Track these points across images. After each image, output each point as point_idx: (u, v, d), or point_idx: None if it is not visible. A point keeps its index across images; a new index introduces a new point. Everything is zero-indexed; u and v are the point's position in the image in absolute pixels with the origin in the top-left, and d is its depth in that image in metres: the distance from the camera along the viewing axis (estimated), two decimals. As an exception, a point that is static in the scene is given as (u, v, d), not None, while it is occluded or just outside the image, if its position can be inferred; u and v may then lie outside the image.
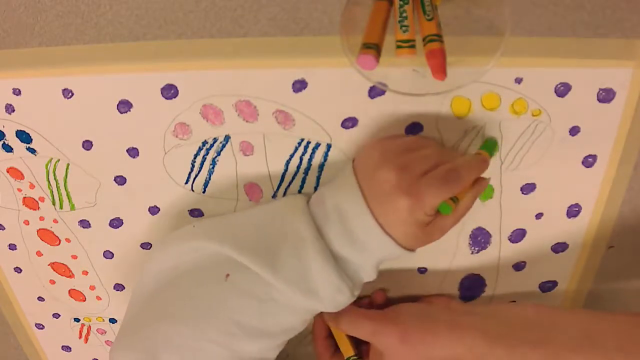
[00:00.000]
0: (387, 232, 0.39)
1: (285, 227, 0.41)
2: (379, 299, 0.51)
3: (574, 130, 0.44)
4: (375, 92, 0.42)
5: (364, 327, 0.42)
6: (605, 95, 0.42)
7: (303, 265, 0.39)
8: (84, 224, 0.51)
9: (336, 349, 0.49)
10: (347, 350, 0.48)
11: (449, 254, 0.50)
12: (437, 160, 0.39)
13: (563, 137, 0.44)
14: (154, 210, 0.49)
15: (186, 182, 0.47)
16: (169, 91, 0.43)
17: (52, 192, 0.49)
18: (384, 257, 0.41)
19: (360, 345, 0.48)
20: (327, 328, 0.49)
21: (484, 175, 0.42)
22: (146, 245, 0.52)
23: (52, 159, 0.47)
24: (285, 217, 0.42)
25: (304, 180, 0.46)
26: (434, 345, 0.39)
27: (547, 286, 0.52)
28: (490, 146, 0.42)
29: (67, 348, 0.62)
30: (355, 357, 0.47)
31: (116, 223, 0.51)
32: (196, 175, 0.47)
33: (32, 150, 0.47)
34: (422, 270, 0.52)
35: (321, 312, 0.45)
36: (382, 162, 0.39)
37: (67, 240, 0.52)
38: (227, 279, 0.41)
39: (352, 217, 0.39)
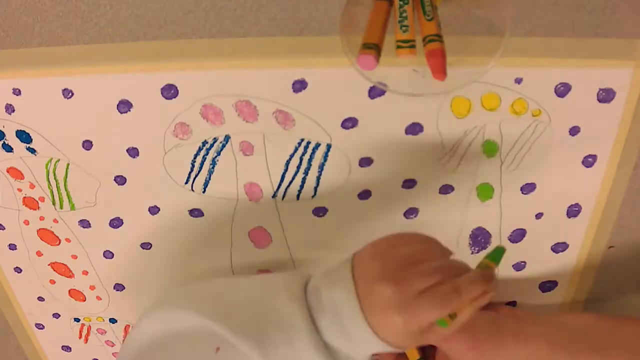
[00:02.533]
0: (382, 337, 0.38)
1: (280, 308, 0.40)
2: None
3: (574, 130, 0.44)
4: (375, 92, 0.42)
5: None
6: (605, 95, 0.42)
7: (294, 354, 0.39)
8: (84, 224, 0.51)
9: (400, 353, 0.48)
10: (413, 353, 0.47)
11: (449, 254, 0.50)
12: (439, 277, 0.38)
13: (563, 137, 0.44)
14: (154, 210, 0.49)
15: (186, 182, 0.47)
16: (169, 91, 0.43)
17: (52, 192, 0.49)
18: (377, 351, 0.41)
19: (425, 349, 0.47)
20: None
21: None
22: (146, 245, 0.52)
23: (52, 159, 0.47)
24: (281, 298, 0.41)
25: (304, 180, 0.46)
26: (500, 352, 0.40)
27: (547, 286, 0.52)
28: (497, 255, 0.42)
29: (67, 348, 0.62)
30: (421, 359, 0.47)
31: (116, 223, 0.51)
32: (196, 175, 0.47)
33: (32, 150, 0.47)
34: (422, 270, 0.52)
35: None
36: (381, 276, 0.38)
37: (67, 240, 0.52)
38: (217, 352, 0.41)
39: (347, 319, 0.39)
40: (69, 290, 0.57)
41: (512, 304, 0.54)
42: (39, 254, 0.54)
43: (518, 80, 0.41)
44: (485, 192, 0.47)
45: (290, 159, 0.45)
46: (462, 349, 0.41)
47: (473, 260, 0.51)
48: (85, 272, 0.55)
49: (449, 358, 0.43)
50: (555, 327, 0.42)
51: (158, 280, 0.54)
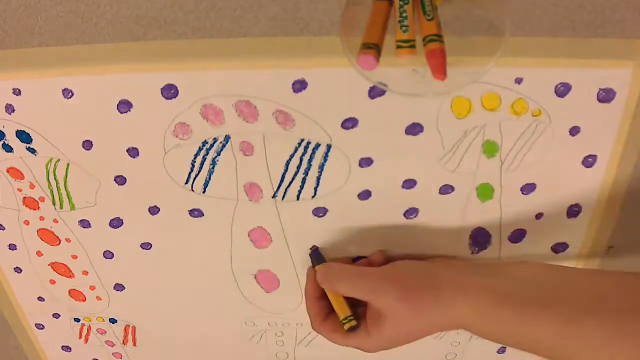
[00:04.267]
0: None
1: None
2: (378, 260, 0.48)
3: (574, 130, 0.44)
4: (375, 92, 0.42)
5: (361, 285, 0.40)
6: (605, 95, 0.42)
7: None
8: (84, 224, 0.51)
9: (329, 311, 0.46)
10: (343, 310, 0.45)
11: (449, 254, 0.50)
12: None
13: (563, 137, 0.44)
14: (154, 210, 0.49)
15: (186, 182, 0.47)
16: (169, 91, 0.43)
17: (52, 192, 0.49)
18: None
19: (356, 308, 0.45)
20: (320, 289, 0.46)
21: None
22: (146, 245, 0.52)
23: (52, 159, 0.47)
24: None
25: (304, 181, 0.46)
26: (435, 303, 0.37)
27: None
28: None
29: (67, 348, 0.62)
30: (351, 318, 0.44)
31: (116, 223, 0.51)
32: (196, 175, 0.47)
33: (32, 150, 0.47)
34: (422, 270, 0.52)
35: (313, 272, 0.44)
36: None
37: (67, 240, 0.52)
38: None
39: None
40: (69, 290, 0.57)
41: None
42: (39, 254, 0.54)
43: (518, 80, 0.41)
44: (485, 192, 0.47)
45: (290, 159, 0.45)
46: (392, 300, 0.38)
47: (473, 260, 0.51)
48: (85, 272, 0.55)
49: (380, 314, 0.40)
50: (498, 277, 0.38)
51: (158, 280, 0.54)
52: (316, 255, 0.46)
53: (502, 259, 0.51)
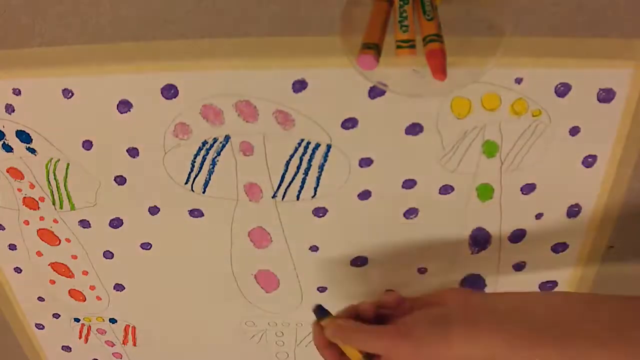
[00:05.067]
0: None
1: None
2: (390, 301, 0.46)
3: (574, 130, 0.44)
4: (375, 92, 0.42)
5: (376, 346, 0.41)
6: (605, 95, 0.42)
7: None
8: (84, 224, 0.51)
9: (342, 351, 0.45)
10: (355, 356, 0.44)
11: (449, 254, 0.50)
12: None
13: (563, 137, 0.44)
14: (154, 210, 0.49)
15: (186, 182, 0.47)
16: (169, 91, 0.43)
17: (52, 192, 0.49)
18: None
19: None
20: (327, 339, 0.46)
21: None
22: (146, 245, 0.52)
23: (52, 159, 0.47)
24: None
25: (303, 181, 0.46)
26: (449, 350, 0.38)
27: (547, 286, 0.52)
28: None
29: (67, 348, 0.62)
30: (365, 356, 0.43)
31: (116, 223, 0.51)
32: (196, 175, 0.47)
33: (32, 150, 0.47)
34: (422, 270, 0.52)
35: (319, 326, 0.44)
36: None
37: (67, 240, 0.52)
38: None
39: None
40: (69, 290, 0.57)
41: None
42: (39, 254, 0.54)
43: (518, 80, 0.41)
44: (485, 192, 0.47)
45: (290, 159, 0.45)
46: (407, 353, 0.38)
47: (473, 260, 0.51)
48: (85, 272, 0.55)
49: None
50: (513, 316, 0.38)
51: (158, 280, 0.54)
52: (321, 311, 0.45)
53: (502, 259, 0.51)
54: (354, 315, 0.44)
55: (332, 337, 0.44)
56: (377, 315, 0.44)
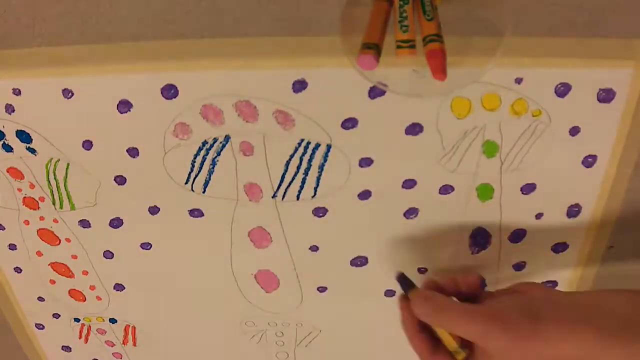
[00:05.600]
0: None
1: None
2: (471, 281, 0.44)
3: (574, 130, 0.44)
4: (375, 92, 0.42)
5: (470, 328, 0.38)
6: (605, 95, 0.42)
7: None
8: (84, 224, 0.51)
9: (436, 341, 0.43)
10: (451, 343, 0.41)
11: (449, 254, 0.50)
12: None
13: (563, 137, 0.44)
14: (154, 210, 0.49)
15: (186, 182, 0.47)
16: (169, 91, 0.43)
17: (52, 192, 0.49)
18: None
19: (465, 344, 0.42)
20: (417, 321, 0.43)
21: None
22: (146, 245, 0.52)
23: (52, 159, 0.47)
24: None
25: (303, 181, 0.46)
26: (544, 343, 0.36)
27: (547, 286, 0.52)
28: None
29: (67, 348, 0.62)
30: (460, 350, 0.41)
31: (116, 223, 0.51)
32: (196, 175, 0.47)
33: (32, 150, 0.47)
34: (422, 270, 0.52)
35: (409, 305, 0.41)
36: None
37: (67, 240, 0.52)
38: None
39: None
40: (69, 290, 0.57)
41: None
42: (39, 254, 0.54)
43: (518, 80, 0.41)
44: (485, 192, 0.47)
45: (290, 159, 0.45)
46: (504, 345, 0.37)
47: (473, 260, 0.51)
48: (85, 272, 0.55)
49: (488, 352, 0.38)
50: (600, 312, 0.37)
51: (158, 280, 0.54)
52: (404, 281, 0.42)
53: (502, 259, 0.51)
54: (435, 290, 0.42)
55: (422, 314, 0.41)
56: (455, 294, 0.42)
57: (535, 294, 0.40)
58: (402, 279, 0.43)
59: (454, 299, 0.42)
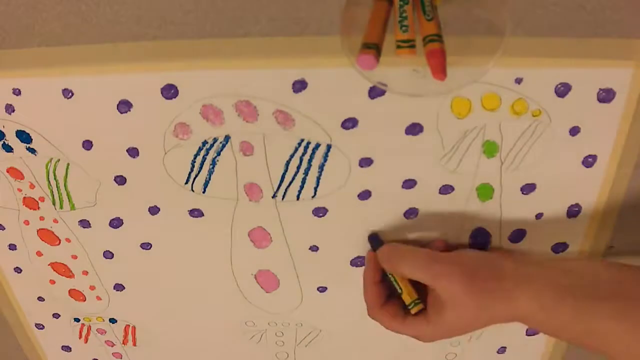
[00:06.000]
0: None
1: None
2: (439, 247, 0.46)
3: (574, 130, 0.44)
4: (375, 92, 0.42)
5: (428, 268, 0.39)
6: (605, 95, 0.42)
7: None
8: (84, 224, 0.51)
9: (388, 297, 0.45)
10: (410, 293, 0.43)
11: (449, 254, 0.50)
12: None
13: (563, 137, 0.44)
14: (154, 210, 0.49)
15: (186, 182, 0.47)
16: (169, 91, 0.43)
17: (52, 192, 0.49)
18: None
19: (420, 290, 0.44)
20: (380, 273, 0.45)
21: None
22: (146, 245, 0.52)
23: (52, 159, 0.47)
24: None
25: (304, 181, 0.46)
26: (498, 294, 0.37)
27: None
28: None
29: (67, 348, 0.62)
30: (418, 301, 0.43)
31: (116, 223, 0.51)
32: (196, 175, 0.47)
33: (32, 150, 0.47)
34: (422, 270, 0.52)
35: (373, 256, 0.42)
36: None
37: (67, 240, 0.52)
38: None
39: None
40: (69, 290, 0.57)
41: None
42: (39, 254, 0.54)
43: (518, 80, 0.41)
44: (485, 192, 0.47)
45: (290, 159, 0.45)
46: (458, 288, 0.38)
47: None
48: (85, 272, 0.55)
49: (443, 301, 0.39)
50: (559, 271, 0.38)
51: (158, 280, 0.54)
52: (376, 239, 0.44)
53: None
54: None
55: (384, 260, 0.42)
56: None
57: (505, 256, 0.41)
58: (374, 238, 0.44)
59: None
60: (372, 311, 0.46)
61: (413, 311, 0.43)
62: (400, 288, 0.44)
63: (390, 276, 0.45)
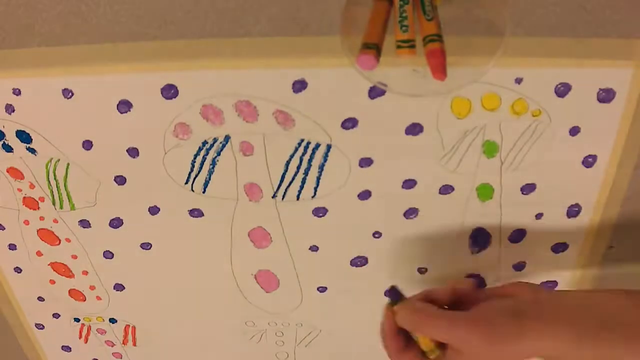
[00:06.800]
0: None
1: None
2: (466, 288, 0.45)
3: (574, 130, 0.44)
4: (375, 92, 0.42)
5: (449, 335, 0.40)
6: (605, 95, 0.42)
7: None
8: (84, 224, 0.51)
9: (407, 341, 0.45)
10: (427, 344, 0.43)
11: (448, 254, 0.50)
12: None
13: (563, 137, 0.44)
14: (154, 210, 0.49)
15: (186, 182, 0.47)
16: (169, 91, 0.43)
17: (52, 192, 0.49)
18: None
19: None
20: (398, 325, 0.45)
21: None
22: (146, 245, 0.52)
23: (52, 159, 0.47)
24: None
25: (303, 181, 0.46)
26: (521, 339, 0.38)
27: (548, 286, 0.52)
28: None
29: (67, 348, 0.62)
30: (435, 350, 0.43)
31: (116, 223, 0.51)
32: (196, 175, 0.47)
33: (32, 150, 0.47)
34: (422, 270, 0.52)
35: (391, 310, 0.43)
36: None
37: (67, 240, 0.52)
38: None
39: None
40: (69, 290, 0.57)
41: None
42: (39, 254, 0.54)
43: (518, 80, 0.41)
44: (485, 192, 0.47)
45: (290, 159, 0.45)
46: (480, 343, 0.38)
47: (473, 260, 0.51)
48: (85, 272, 0.55)
49: (461, 352, 0.40)
50: (581, 310, 0.38)
51: (158, 280, 0.54)
52: (395, 293, 0.44)
53: (502, 259, 0.51)
54: (428, 300, 0.43)
55: (404, 322, 0.43)
56: (451, 303, 0.43)
57: (524, 295, 0.41)
58: (393, 292, 0.44)
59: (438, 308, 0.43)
60: (393, 358, 0.46)
61: (432, 358, 0.43)
62: (417, 339, 0.44)
63: None
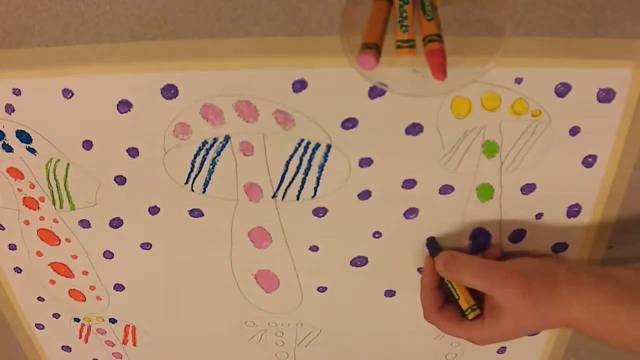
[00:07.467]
0: None
1: None
2: (495, 254, 0.48)
3: (574, 130, 0.44)
4: (375, 92, 0.42)
5: (487, 278, 0.41)
6: (605, 95, 0.42)
7: None
8: (84, 224, 0.51)
9: (444, 302, 0.47)
10: (467, 300, 0.45)
11: (449, 254, 0.50)
12: None
13: (563, 137, 0.44)
14: (154, 210, 0.49)
15: (186, 182, 0.47)
16: (169, 91, 0.43)
17: (52, 192, 0.49)
18: None
19: (476, 296, 0.46)
20: (437, 279, 0.47)
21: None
22: (146, 245, 0.52)
23: (52, 159, 0.47)
24: None
25: (303, 181, 0.46)
26: (553, 300, 0.39)
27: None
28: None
29: (67, 348, 0.62)
30: (475, 307, 0.45)
31: (116, 223, 0.51)
32: (196, 175, 0.47)
33: (32, 150, 0.47)
34: (422, 270, 0.52)
35: (431, 262, 0.45)
36: None
37: (67, 240, 0.52)
38: None
39: None
40: (69, 290, 0.57)
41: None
42: (39, 254, 0.54)
43: (518, 80, 0.41)
44: (485, 192, 0.47)
45: (290, 159, 0.45)
46: (516, 295, 0.39)
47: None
48: (85, 272, 0.55)
49: (501, 308, 0.41)
50: (609, 279, 0.39)
51: (158, 280, 0.54)
52: (434, 245, 0.46)
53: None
54: None
55: (443, 269, 0.44)
56: None
57: (554, 262, 0.43)
58: (432, 243, 0.46)
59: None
60: (429, 315, 0.47)
61: (470, 317, 0.45)
62: (458, 294, 0.46)
63: (447, 282, 0.47)
